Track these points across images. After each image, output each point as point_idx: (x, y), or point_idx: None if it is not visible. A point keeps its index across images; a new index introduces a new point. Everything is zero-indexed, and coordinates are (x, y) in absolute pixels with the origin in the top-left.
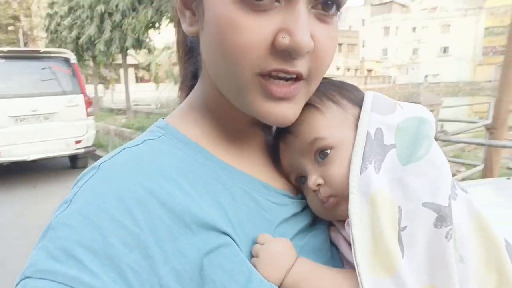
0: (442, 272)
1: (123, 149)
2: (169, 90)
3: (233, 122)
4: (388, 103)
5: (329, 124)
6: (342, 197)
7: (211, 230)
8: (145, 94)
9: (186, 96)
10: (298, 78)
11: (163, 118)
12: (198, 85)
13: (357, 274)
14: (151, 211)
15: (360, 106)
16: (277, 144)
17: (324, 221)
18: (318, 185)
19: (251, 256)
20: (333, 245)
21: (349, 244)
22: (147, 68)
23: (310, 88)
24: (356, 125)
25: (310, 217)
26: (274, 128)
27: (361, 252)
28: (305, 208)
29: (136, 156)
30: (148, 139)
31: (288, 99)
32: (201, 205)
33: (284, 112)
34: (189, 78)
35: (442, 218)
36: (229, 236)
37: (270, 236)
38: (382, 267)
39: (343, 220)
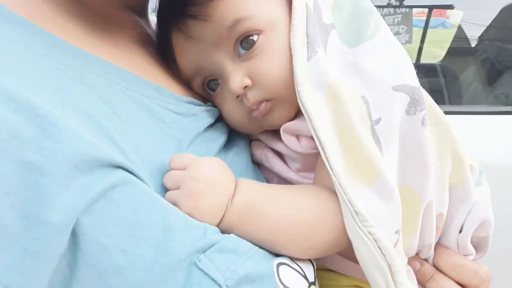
0: (418, 167)
1: None
2: None
3: (93, 1)
4: None
5: None
6: (278, 99)
7: (89, 170)
8: None
9: None
10: None
11: None
12: None
13: (338, 187)
14: None
15: None
16: (166, 37)
17: (242, 135)
18: (245, 87)
19: (164, 191)
20: (254, 164)
21: (282, 159)
22: None
23: None
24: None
25: (227, 130)
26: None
27: (335, 158)
28: (220, 118)
29: None
30: None
31: None
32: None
33: None
34: None
35: (415, 101)
36: (122, 168)
37: (192, 155)
38: (363, 174)
39: (275, 129)
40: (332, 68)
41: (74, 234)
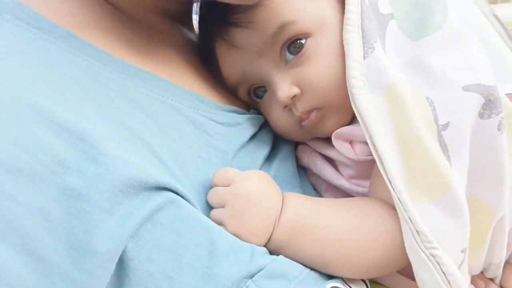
0: (491, 178)
1: None
2: None
3: (133, 9)
4: None
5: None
6: (330, 107)
7: (134, 193)
8: None
9: None
10: None
11: None
12: None
13: (398, 203)
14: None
15: None
16: (209, 46)
17: (287, 140)
18: (294, 97)
19: (209, 208)
20: (300, 168)
21: (333, 165)
22: None
23: None
24: None
25: (271, 138)
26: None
27: (395, 170)
28: (264, 125)
29: None
30: None
31: None
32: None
33: None
34: None
35: (491, 103)
36: (167, 189)
37: (237, 171)
38: (427, 187)
39: (326, 136)
40: (392, 66)
41: (120, 261)
